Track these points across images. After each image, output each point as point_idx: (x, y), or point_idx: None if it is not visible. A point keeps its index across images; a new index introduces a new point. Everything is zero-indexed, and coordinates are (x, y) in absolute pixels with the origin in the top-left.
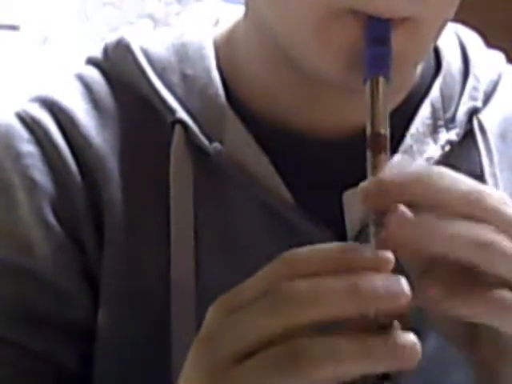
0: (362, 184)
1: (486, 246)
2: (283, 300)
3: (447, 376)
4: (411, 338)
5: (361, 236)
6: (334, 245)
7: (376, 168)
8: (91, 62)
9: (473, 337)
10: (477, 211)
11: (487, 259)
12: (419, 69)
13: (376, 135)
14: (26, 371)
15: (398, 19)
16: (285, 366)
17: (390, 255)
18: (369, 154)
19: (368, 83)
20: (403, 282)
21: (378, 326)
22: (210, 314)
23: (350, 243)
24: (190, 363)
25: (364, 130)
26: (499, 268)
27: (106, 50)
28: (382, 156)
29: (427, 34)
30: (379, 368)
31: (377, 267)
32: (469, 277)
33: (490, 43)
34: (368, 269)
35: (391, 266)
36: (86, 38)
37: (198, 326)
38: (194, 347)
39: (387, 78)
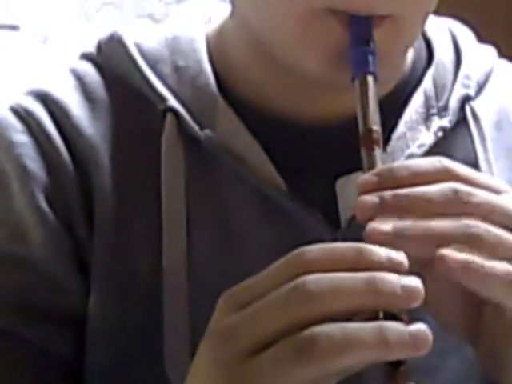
0: (361, 178)
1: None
2: (302, 293)
3: (444, 362)
4: (422, 326)
5: (354, 222)
6: (349, 245)
7: (371, 162)
8: (85, 56)
9: (477, 326)
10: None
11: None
12: (410, 58)
13: (368, 132)
14: (18, 359)
15: (378, 17)
16: (301, 355)
17: (403, 257)
18: (363, 150)
19: (357, 83)
20: (418, 281)
21: (388, 316)
22: (220, 308)
23: (363, 244)
24: (202, 358)
25: (354, 116)
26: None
27: (99, 46)
28: (376, 151)
29: (408, 30)
30: (394, 355)
31: (391, 269)
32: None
33: (487, 40)
34: (383, 270)
35: (405, 267)
36: (86, 38)
37: (190, 313)
38: (205, 342)
39: (375, 76)
